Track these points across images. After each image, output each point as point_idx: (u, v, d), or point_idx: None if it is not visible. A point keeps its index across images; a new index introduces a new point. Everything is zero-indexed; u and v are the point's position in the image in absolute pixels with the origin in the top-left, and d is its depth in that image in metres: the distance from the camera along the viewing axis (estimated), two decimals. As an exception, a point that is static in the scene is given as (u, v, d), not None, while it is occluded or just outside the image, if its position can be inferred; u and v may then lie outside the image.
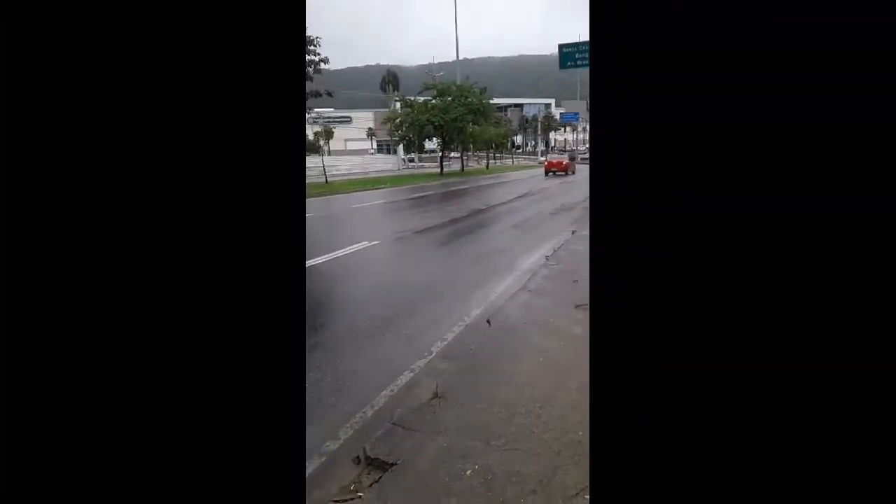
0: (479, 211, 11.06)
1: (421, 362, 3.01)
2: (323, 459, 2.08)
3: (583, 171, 27.05)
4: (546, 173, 25.08)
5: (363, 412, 2.46)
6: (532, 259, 5.86)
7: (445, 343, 3.30)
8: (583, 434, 2.11)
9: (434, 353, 3.13)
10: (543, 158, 49.90)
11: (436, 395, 2.51)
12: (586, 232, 7.47)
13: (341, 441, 2.22)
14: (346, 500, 1.82)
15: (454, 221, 9.38)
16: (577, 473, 1.86)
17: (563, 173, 24.51)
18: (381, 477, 1.93)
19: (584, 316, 3.68)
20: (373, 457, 2.03)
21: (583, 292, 4.23)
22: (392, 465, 1.97)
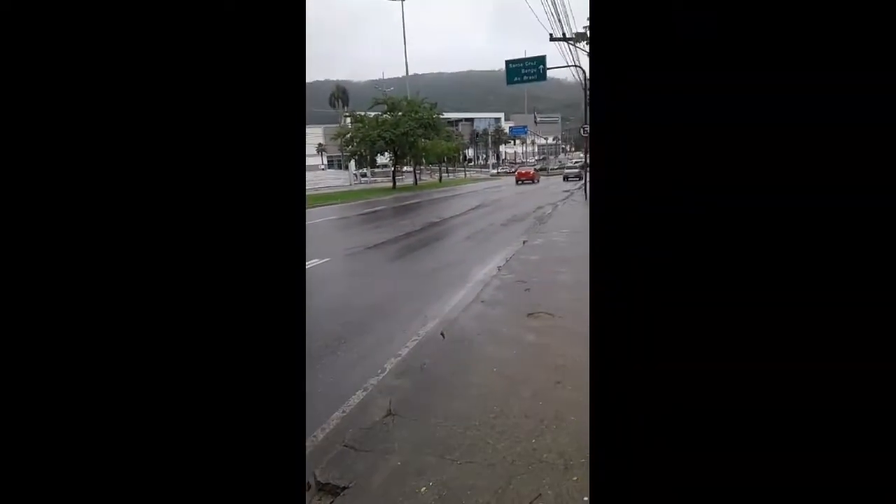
0: (433, 224, 11.09)
1: (374, 380, 2.95)
2: (271, 488, 1.99)
3: (543, 181, 30.57)
4: (517, 182, 29.00)
5: (314, 436, 2.38)
6: (485, 270, 5.91)
7: (399, 359, 3.25)
8: (535, 442, 2.12)
9: (387, 370, 3.08)
10: (495, 171, 51.95)
11: (389, 413, 2.46)
12: (537, 241, 7.65)
13: (291, 467, 2.14)
14: (295, 530, 1.74)
15: (408, 235, 9.35)
16: (532, 482, 1.86)
17: (530, 181, 29.06)
18: (332, 502, 1.86)
19: (537, 324, 3.73)
20: (323, 482, 1.95)
21: (534, 301, 4.30)
22: (344, 488, 1.91)
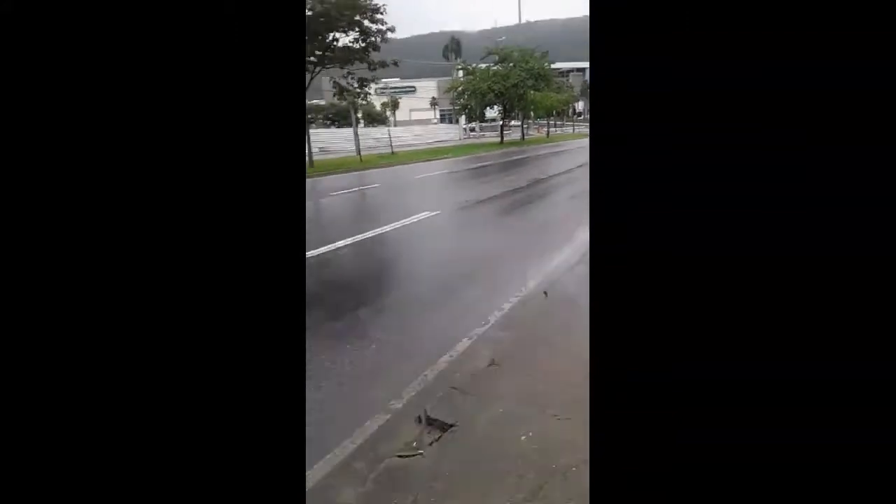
0: (539, 181, 10.89)
1: (479, 330, 3.10)
2: (388, 417, 2.24)
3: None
4: None
5: (424, 375, 2.60)
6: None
7: (502, 313, 3.37)
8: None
9: (491, 322, 3.21)
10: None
11: (492, 363, 2.60)
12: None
13: (404, 400, 2.37)
14: (409, 456, 1.96)
15: (514, 191, 9.32)
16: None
17: None
18: (440, 437, 2.05)
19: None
20: (433, 417, 2.15)
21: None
22: (451, 426, 2.09)
